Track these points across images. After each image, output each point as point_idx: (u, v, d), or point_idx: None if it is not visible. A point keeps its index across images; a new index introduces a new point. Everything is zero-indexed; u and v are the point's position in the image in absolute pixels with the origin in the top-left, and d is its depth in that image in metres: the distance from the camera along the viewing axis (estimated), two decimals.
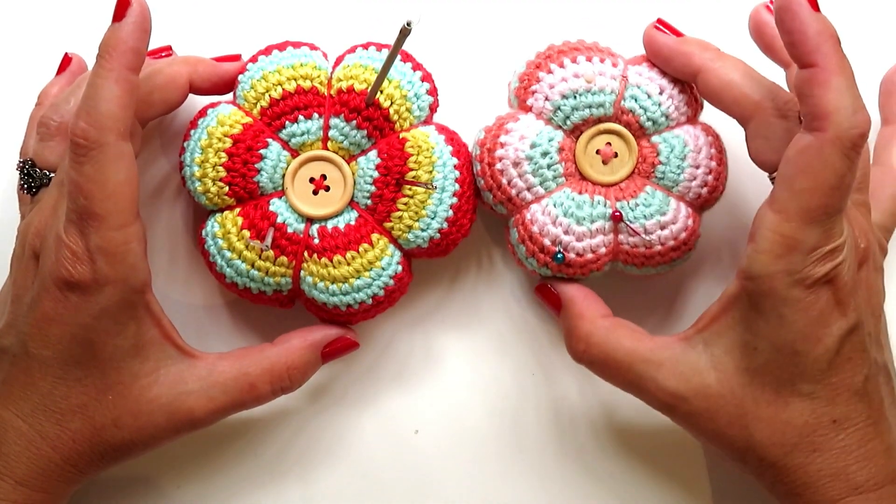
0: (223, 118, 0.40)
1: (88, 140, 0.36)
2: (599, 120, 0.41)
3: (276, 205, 0.40)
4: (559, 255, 0.41)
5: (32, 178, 0.40)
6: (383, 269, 0.40)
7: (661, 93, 0.41)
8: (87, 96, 0.36)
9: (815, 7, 0.34)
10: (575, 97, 0.41)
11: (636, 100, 0.41)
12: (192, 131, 0.41)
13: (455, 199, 0.41)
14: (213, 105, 0.42)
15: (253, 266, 0.40)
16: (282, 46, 0.41)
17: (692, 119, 0.42)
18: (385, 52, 0.41)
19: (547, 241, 0.41)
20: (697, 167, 0.41)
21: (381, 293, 0.40)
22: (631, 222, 0.40)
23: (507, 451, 0.45)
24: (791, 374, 0.36)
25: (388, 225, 0.40)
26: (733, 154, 0.42)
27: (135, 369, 0.38)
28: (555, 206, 0.40)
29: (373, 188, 0.40)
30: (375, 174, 0.40)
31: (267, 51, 0.41)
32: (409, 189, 0.40)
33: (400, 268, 0.41)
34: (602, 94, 0.40)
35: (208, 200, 0.40)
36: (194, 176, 0.40)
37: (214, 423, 0.39)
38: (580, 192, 0.41)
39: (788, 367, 0.36)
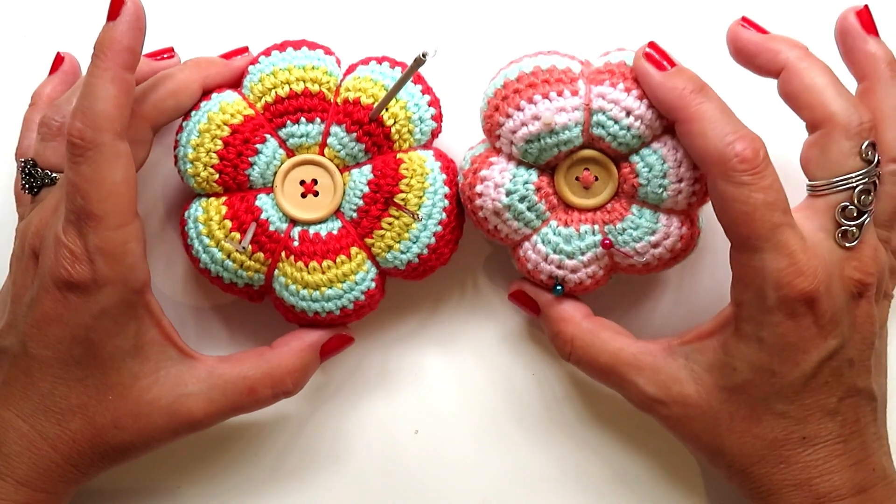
0: (226, 106, 0.40)
1: (84, 140, 0.35)
2: (571, 151, 0.40)
3: (263, 200, 0.40)
4: (558, 288, 0.41)
5: (34, 178, 0.40)
6: (356, 283, 0.40)
7: (627, 115, 0.38)
8: (83, 96, 0.36)
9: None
10: (539, 139, 0.39)
11: (604, 127, 0.39)
12: (194, 113, 0.41)
13: (439, 228, 0.41)
14: (218, 90, 0.42)
15: (228, 257, 0.40)
16: (297, 45, 0.41)
17: (668, 128, 0.39)
18: (398, 71, 0.41)
19: (543, 277, 0.41)
20: (681, 181, 0.39)
21: (350, 306, 0.41)
22: (621, 247, 0.40)
23: (507, 451, 0.45)
24: (767, 393, 0.37)
25: (369, 241, 0.40)
26: None
27: (135, 370, 0.38)
28: (543, 243, 0.40)
29: (361, 202, 0.40)
30: (366, 189, 0.40)
31: (282, 47, 0.41)
32: (396, 210, 0.40)
33: (373, 284, 0.41)
34: (566, 131, 0.39)
35: (196, 184, 0.40)
36: (187, 157, 0.40)
37: (214, 425, 0.40)
38: (566, 225, 0.40)
39: (765, 387, 0.37)
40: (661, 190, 0.39)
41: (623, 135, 0.39)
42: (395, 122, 0.40)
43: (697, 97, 0.37)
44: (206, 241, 0.40)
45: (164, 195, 0.45)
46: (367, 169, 0.40)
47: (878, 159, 0.37)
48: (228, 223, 0.40)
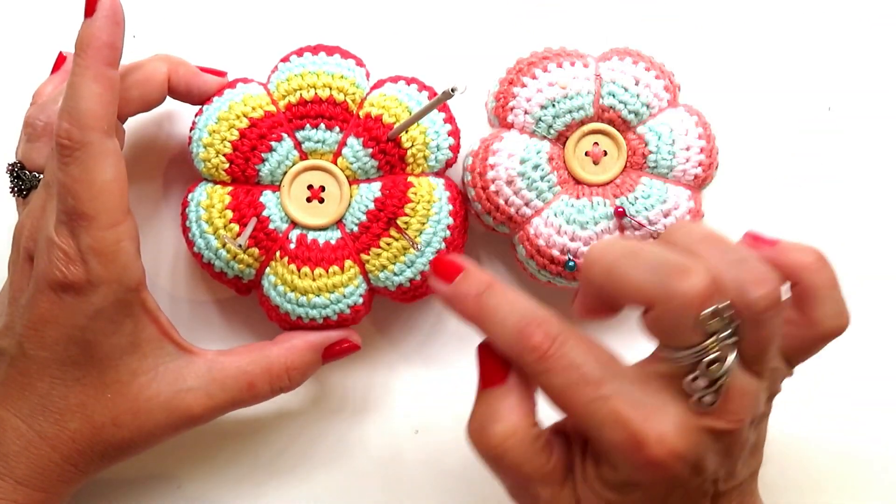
0: (249, 98, 0.40)
1: (72, 140, 0.35)
2: (582, 122, 0.41)
3: (268, 198, 0.40)
4: (570, 263, 0.41)
5: (22, 181, 0.39)
6: (344, 296, 0.40)
7: (637, 84, 0.41)
8: (68, 96, 0.35)
9: None
10: (553, 105, 0.41)
11: (614, 95, 0.41)
12: (217, 98, 0.41)
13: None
14: (245, 80, 0.42)
15: (223, 246, 0.40)
16: (330, 51, 0.41)
17: (672, 102, 0.42)
18: (424, 96, 0.41)
19: (555, 252, 0.41)
20: (688, 149, 0.41)
21: (333, 317, 0.41)
22: (634, 216, 0.40)
23: None
24: None
25: (364, 257, 0.41)
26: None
27: (133, 367, 0.38)
28: (556, 215, 0.41)
29: (363, 217, 0.40)
30: (371, 206, 0.40)
31: (315, 50, 0.41)
32: (397, 232, 0.40)
33: (361, 300, 0.41)
34: (579, 96, 0.41)
35: (206, 169, 0.40)
36: (201, 141, 0.40)
37: (213, 419, 0.39)
38: (578, 197, 0.41)
39: None
40: (670, 157, 0.41)
41: (633, 102, 0.41)
42: (412, 146, 0.40)
43: (483, 296, 0.33)
44: (205, 226, 0.40)
45: (167, 189, 0.45)
46: (376, 186, 0.41)
47: (730, 316, 0.30)
48: (229, 213, 0.40)
